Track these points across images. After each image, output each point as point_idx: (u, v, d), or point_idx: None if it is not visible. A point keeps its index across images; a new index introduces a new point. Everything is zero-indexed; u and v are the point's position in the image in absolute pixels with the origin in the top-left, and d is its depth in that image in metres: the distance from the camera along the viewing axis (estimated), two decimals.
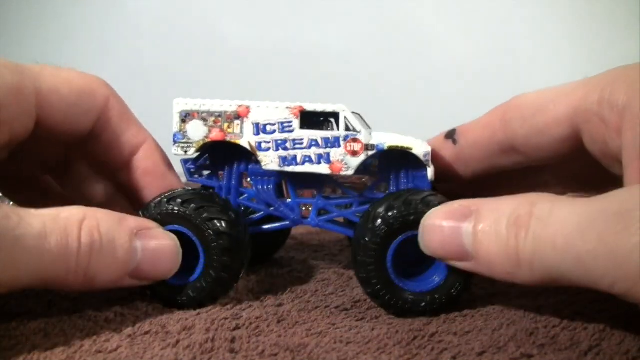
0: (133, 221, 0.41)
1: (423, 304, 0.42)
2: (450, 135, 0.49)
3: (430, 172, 0.46)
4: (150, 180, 0.49)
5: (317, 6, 1.13)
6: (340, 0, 1.13)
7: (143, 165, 0.49)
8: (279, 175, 0.48)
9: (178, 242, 0.42)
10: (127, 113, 0.49)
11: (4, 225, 0.35)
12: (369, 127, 0.48)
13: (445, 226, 0.39)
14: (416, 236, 0.42)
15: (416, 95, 1.08)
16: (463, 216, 0.39)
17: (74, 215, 0.39)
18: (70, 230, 0.38)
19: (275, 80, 1.10)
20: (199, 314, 0.42)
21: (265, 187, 0.48)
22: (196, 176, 0.49)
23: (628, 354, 0.35)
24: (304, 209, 0.48)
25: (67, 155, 0.51)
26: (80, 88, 0.46)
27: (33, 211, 0.38)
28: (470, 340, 0.38)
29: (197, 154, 0.47)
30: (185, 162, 0.48)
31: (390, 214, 0.42)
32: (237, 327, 0.40)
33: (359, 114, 0.48)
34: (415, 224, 0.41)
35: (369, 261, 0.42)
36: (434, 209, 0.40)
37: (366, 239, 0.42)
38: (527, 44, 1.09)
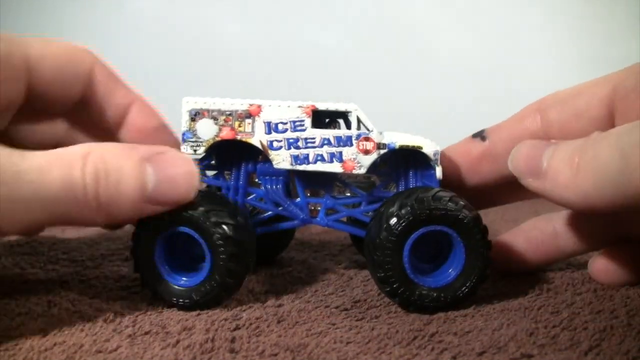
0: (143, 148, 0.41)
1: (442, 298, 0.43)
2: (479, 134, 0.50)
3: (438, 171, 0.46)
4: (144, 137, 0.49)
5: (317, 6, 1.13)
6: (341, 0, 1.13)
7: (137, 123, 0.50)
8: (287, 175, 0.48)
9: (193, 164, 0.42)
10: (114, 75, 0.50)
11: (4, 161, 0.36)
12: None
13: (532, 148, 0.42)
14: (430, 232, 0.43)
15: (416, 95, 1.08)
16: (547, 144, 0.42)
17: (77, 151, 0.39)
18: (73, 163, 0.38)
19: (276, 80, 1.10)
20: (199, 314, 0.42)
21: (275, 187, 0.48)
22: (203, 176, 0.48)
23: (628, 353, 0.35)
24: (312, 208, 0.48)
25: (66, 127, 0.52)
26: (67, 54, 0.48)
27: (37, 152, 0.38)
28: (471, 340, 0.38)
29: (204, 153, 0.47)
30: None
31: (403, 211, 0.43)
32: (237, 327, 0.40)
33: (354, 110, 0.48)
34: (428, 220, 0.42)
35: (387, 260, 0.43)
36: (526, 141, 0.44)
37: (381, 237, 0.43)
38: (527, 44, 1.09)
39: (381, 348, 0.37)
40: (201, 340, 0.37)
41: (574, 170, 0.38)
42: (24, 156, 0.37)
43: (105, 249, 0.59)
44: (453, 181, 0.48)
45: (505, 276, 0.51)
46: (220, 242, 0.42)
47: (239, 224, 0.43)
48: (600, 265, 0.48)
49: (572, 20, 1.07)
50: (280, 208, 0.48)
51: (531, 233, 0.51)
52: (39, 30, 1.15)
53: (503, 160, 0.46)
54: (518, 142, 0.48)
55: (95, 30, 1.16)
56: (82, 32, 1.16)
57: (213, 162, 0.49)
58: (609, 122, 0.45)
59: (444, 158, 0.48)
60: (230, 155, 0.48)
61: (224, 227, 0.43)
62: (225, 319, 0.41)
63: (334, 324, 0.41)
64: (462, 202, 0.43)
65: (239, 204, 0.47)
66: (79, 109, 0.50)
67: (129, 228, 0.69)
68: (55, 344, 0.37)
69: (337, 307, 0.44)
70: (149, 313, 0.42)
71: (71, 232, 0.66)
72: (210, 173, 0.49)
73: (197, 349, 0.36)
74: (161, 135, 0.50)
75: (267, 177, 0.48)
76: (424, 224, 0.43)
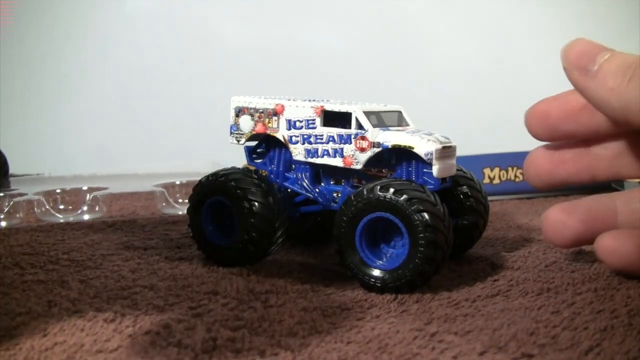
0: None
1: (388, 280, 0.47)
2: None
3: (435, 169, 0.49)
4: None
5: (317, 6, 1.13)
6: (340, 0, 1.13)
7: None
8: (316, 165, 0.53)
9: None
10: None
11: None
12: (407, 124, 0.54)
13: (588, 46, 0.44)
14: (380, 218, 0.47)
15: (417, 95, 1.08)
16: (602, 48, 0.44)
17: None
18: None
19: (276, 80, 1.10)
20: (199, 314, 0.42)
21: (303, 174, 0.54)
22: (255, 161, 0.57)
23: (629, 353, 0.35)
24: (335, 195, 0.54)
25: None
26: None
27: None
28: (471, 339, 0.38)
29: (246, 142, 0.56)
30: (247, 148, 0.57)
31: (358, 197, 0.48)
32: (238, 327, 0.40)
33: (399, 111, 0.54)
34: (375, 207, 0.47)
35: (342, 234, 0.49)
36: (583, 38, 0.46)
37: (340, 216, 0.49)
38: (527, 44, 1.09)
39: (382, 347, 0.37)
40: (202, 340, 0.37)
41: (626, 78, 0.41)
42: None
43: (105, 249, 0.59)
44: (547, 127, 0.48)
45: (505, 275, 0.51)
46: (247, 212, 0.51)
47: (267, 202, 0.52)
48: (606, 244, 0.48)
49: (572, 21, 1.07)
50: (307, 193, 0.54)
51: (592, 206, 0.50)
52: (39, 30, 1.15)
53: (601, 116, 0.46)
54: None
55: (96, 30, 1.16)
56: (82, 32, 1.16)
57: (259, 150, 0.57)
58: None
59: (537, 106, 0.48)
60: (274, 145, 0.56)
61: (253, 202, 0.52)
62: (226, 319, 0.41)
63: (334, 324, 0.41)
64: (409, 193, 0.46)
65: (274, 187, 0.54)
66: None
67: (127, 227, 0.69)
68: (55, 344, 0.37)
69: (337, 307, 0.44)
70: (149, 313, 0.42)
71: (71, 233, 0.66)
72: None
73: (199, 348, 0.36)
74: None
75: (299, 165, 0.55)
76: (373, 209, 0.47)
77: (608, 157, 0.48)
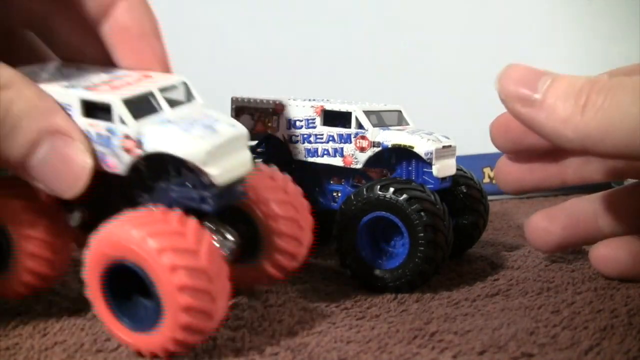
0: (59, 120, 0.37)
1: (388, 280, 0.47)
2: None
3: (435, 169, 0.49)
4: (127, 40, 0.42)
5: (317, 5, 1.13)
6: (341, 2, 1.13)
7: (120, 21, 0.42)
8: (316, 164, 0.53)
9: (89, 169, 0.37)
10: None
11: None
12: (407, 123, 0.53)
13: (526, 74, 0.40)
14: (381, 217, 0.47)
15: (417, 95, 1.08)
16: (542, 73, 0.40)
17: None
18: None
19: (276, 79, 1.10)
20: None
21: (302, 174, 0.52)
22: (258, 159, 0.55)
23: (629, 353, 0.35)
24: (334, 194, 0.54)
25: (46, 5, 0.45)
26: None
27: None
28: (471, 339, 0.38)
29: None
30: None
31: (358, 197, 0.48)
32: (238, 327, 0.40)
33: (399, 111, 0.54)
34: (375, 206, 0.47)
35: (343, 236, 0.48)
36: (519, 63, 0.42)
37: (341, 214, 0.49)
38: (526, 44, 1.09)
39: (381, 347, 0.37)
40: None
41: (579, 107, 0.37)
42: None
43: None
44: (509, 140, 0.48)
45: (505, 275, 0.51)
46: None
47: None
48: (601, 254, 0.48)
49: (572, 21, 1.07)
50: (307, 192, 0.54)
51: (572, 211, 0.50)
52: None
53: None
54: None
55: None
56: None
57: (259, 150, 0.56)
58: None
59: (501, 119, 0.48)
60: (274, 144, 0.55)
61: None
62: (226, 319, 0.41)
63: (334, 323, 0.41)
64: (409, 193, 0.46)
65: None
66: None
67: None
68: (55, 343, 0.37)
69: (337, 306, 0.44)
70: None
71: None
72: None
73: (199, 347, 0.36)
74: (146, 43, 0.42)
75: (298, 165, 0.54)
76: (373, 209, 0.47)
77: (574, 164, 0.48)
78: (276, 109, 0.53)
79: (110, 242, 0.34)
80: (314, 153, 0.52)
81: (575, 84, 0.38)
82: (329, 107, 0.51)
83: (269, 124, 0.54)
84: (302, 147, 0.52)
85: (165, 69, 0.43)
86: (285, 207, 0.42)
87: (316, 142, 0.52)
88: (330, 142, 0.51)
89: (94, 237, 0.35)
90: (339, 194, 0.53)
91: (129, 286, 0.35)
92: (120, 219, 0.35)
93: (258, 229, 0.42)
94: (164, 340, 0.34)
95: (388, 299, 0.46)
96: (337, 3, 1.15)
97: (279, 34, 1.15)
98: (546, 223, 0.51)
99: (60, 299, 0.44)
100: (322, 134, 0.51)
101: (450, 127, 0.56)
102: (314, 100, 0.53)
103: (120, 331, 0.36)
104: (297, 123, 0.52)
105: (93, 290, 0.36)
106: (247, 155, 0.38)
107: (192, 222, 0.35)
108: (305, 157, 0.53)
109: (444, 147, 0.49)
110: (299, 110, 0.52)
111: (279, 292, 0.47)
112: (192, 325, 0.33)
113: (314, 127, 0.52)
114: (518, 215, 0.75)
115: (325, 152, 0.52)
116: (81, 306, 0.43)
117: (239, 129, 0.38)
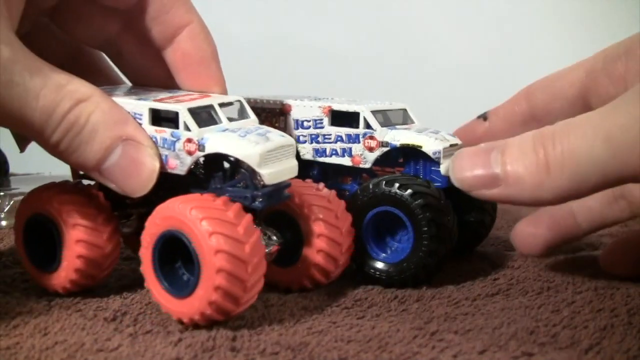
0: (131, 128, 0.41)
1: (393, 273, 0.48)
2: (483, 115, 0.55)
3: (442, 168, 0.49)
4: (188, 65, 0.47)
5: (321, 4, 1.13)
6: (344, 1, 1.13)
7: (183, 47, 0.47)
8: (324, 164, 0.53)
9: (157, 171, 0.42)
10: None
11: (6, 65, 0.37)
12: (412, 122, 0.53)
13: (474, 157, 0.41)
14: (387, 212, 0.48)
15: (420, 93, 1.08)
16: (490, 148, 0.40)
17: (78, 91, 0.40)
18: (64, 103, 0.39)
19: (281, 78, 1.10)
20: None
21: (311, 174, 0.54)
22: None
23: (628, 352, 0.35)
24: (344, 194, 0.52)
25: (119, 29, 0.49)
26: None
27: (47, 69, 0.39)
28: (471, 338, 0.38)
29: None
30: None
31: (365, 192, 0.49)
32: (238, 326, 0.40)
33: (404, 109, 0.54)
34: (380, 200, 0.48)
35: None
36: (462, 149, 0.43)
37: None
38: (526, 43, 1.09)
39: (382, 346, 0.37)
40: (202, 339, 0.37)
41: (543, 167, 0.37)
42: (32, 72, 0.38)
43: None
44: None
45: (505, 274, 0.51)
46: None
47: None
48: (607, 255, 0.50)
49: (572, 21, 1.07)
50: None
51: (553, 213, 0.52)
52: None
53: (501, 136, 0.46)
54: (510, 121, 0.52)
55: None
56: None
57: None
58: (582, 102, 0.49)
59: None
60: None
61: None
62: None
63: (334, 323, 0.41)
64: (414, 188, 0.47)
65: None
66: (134, 15, 0.47)
67: None
68: (56, 343, 0.37)
69: (338, 306, 0.44)
70: (149, 312, 0.42)
71: None
72: None
73: (199, 347, 0.36)
74: (206, 67, 0.47)
75: (306, 165, 0.53)
76: (379, 204, 0.48)
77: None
78: (283, 109, 0.53)
79: (169, 216, 0.39)
80: (322, 153, 0.52)
81: (524, 143, 0.38)
82: (336, 107, 0.51)
83: (276, 124, 0.53)
84: (310, 147, 0.52)
85: (223, 90, 0.48)
86: (331, 229, 0.45)
87: (324, 142, 0.52)
88: (339, 142, 0.51)
89: (158, 209, 0.40)
90: (347, 193, 0.53)
91: (174, 260, 0.41)
92: (185, 198, 0.40)
93: (303, 241, 0.46)
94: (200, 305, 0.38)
95: (388, 298, 0.46)
96: (340, 1, 1.15)
97: (282, 31, 1.15)
98: (532, 228, 0.53)
99: (60, 298, 0.45)
100: (330, 134, 0.52)
101: (453, 126, 0.56)
102: (320, 99, 0.53)
103: (164, 298, 0.40)
104: (305, 123, 0.52)
105: (146, 259, 0.41)
106: (294, 162, 0.43)
107: (248, 216, 0.39)
108: (313, 157, 0.53)
109: (451, 145, 0.49)
110: (307, 110, 0.52)
111: (280, 291, 0.47)
112: (229, 292, 0.38)
113: (322, 127, 0.52)
114: (519, 214, 0.75)
115: (334, 152, 0.52)
116: (82, 305, 0.43)
117: (288, 139, 0.43)
